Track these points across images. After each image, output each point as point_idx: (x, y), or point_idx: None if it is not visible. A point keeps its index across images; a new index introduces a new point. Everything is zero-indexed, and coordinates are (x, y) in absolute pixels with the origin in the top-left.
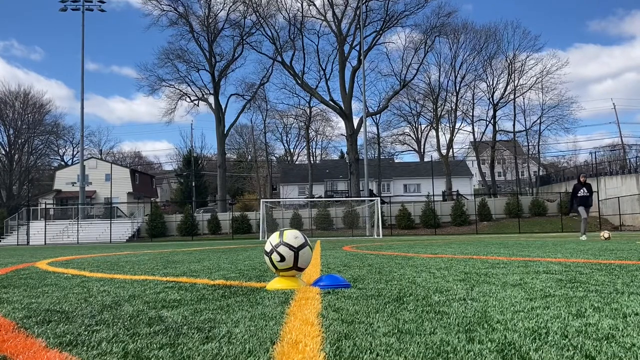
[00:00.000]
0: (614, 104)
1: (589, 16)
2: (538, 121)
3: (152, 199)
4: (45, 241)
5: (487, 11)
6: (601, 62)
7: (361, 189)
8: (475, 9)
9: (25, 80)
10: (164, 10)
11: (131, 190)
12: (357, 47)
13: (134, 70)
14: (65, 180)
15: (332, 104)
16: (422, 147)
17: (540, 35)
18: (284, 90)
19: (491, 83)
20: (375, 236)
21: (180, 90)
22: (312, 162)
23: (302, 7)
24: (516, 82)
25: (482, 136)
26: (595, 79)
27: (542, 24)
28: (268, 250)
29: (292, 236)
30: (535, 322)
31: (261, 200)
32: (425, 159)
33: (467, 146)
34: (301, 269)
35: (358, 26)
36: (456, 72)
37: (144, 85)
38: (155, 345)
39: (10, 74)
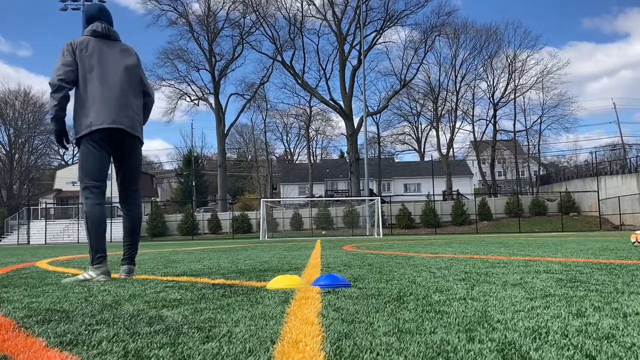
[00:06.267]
0: (614, 103)
1: (582, 13)
2: (538, 121)
3: (152, 198)
4: (45, 241)
5: (481, 9)
6: (596, 60)
7: (361, 188)
8: (466, 5)
9: (14, 76)
10: (164, 10)
11: None
12: (357, 47)
13: None
14: (65, 179)
15: (332, 103)
16: (422, 146)
17: (542, 35)
18: (284, 90)
19: (491, 82)
20: (376, 236)
21: (180, 90)
22: (312, 161)
23: (302, 7)
24: (516, 81)
25: (482, 136)
26: (592, 77)
27: (538, 22)
28: None
29: None
30: (536, 321)
31: (261, 199)
32: (426, 159)
33: (468, 146)
34: None
35: (358, 25)
36: (456, 72)
37: None
38: (155, 345)
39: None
